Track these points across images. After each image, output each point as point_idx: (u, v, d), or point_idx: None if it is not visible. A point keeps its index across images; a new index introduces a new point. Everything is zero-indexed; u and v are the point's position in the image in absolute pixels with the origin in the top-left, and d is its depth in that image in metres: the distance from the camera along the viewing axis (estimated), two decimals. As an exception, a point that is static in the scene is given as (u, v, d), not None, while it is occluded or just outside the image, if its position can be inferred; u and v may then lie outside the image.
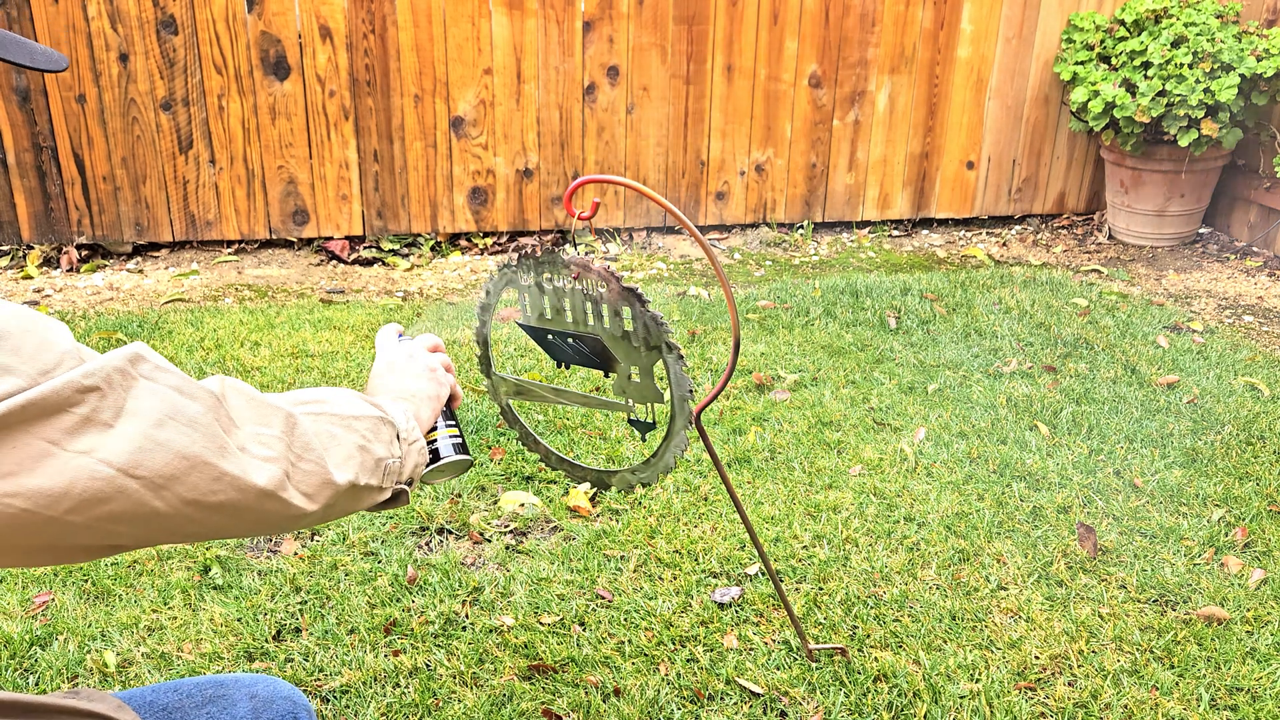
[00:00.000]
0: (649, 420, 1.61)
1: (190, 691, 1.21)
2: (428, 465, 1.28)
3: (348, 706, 1.92)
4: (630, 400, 1.59)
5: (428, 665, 2.02)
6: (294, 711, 1.23)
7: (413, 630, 2.11)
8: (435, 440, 1.35)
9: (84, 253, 4.29)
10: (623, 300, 1.46)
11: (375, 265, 4.38)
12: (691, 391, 1.51)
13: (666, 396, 1.55)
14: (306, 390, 1.12)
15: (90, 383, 0.82)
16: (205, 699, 1.20)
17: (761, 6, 4.43)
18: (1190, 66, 4.20)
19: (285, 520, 0.96)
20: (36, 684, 1.94)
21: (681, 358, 1.48)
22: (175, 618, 2.14)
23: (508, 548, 2.39)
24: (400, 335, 1.45)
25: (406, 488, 1.18)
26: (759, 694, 1.96)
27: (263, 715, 1.21)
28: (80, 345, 0.86)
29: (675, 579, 2.29)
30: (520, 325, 1.61)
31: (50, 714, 1.04)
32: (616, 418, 2.95)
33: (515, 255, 1.56)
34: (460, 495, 2.57)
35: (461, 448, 1.39)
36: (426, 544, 2.41)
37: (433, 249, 4.50)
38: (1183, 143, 4.25)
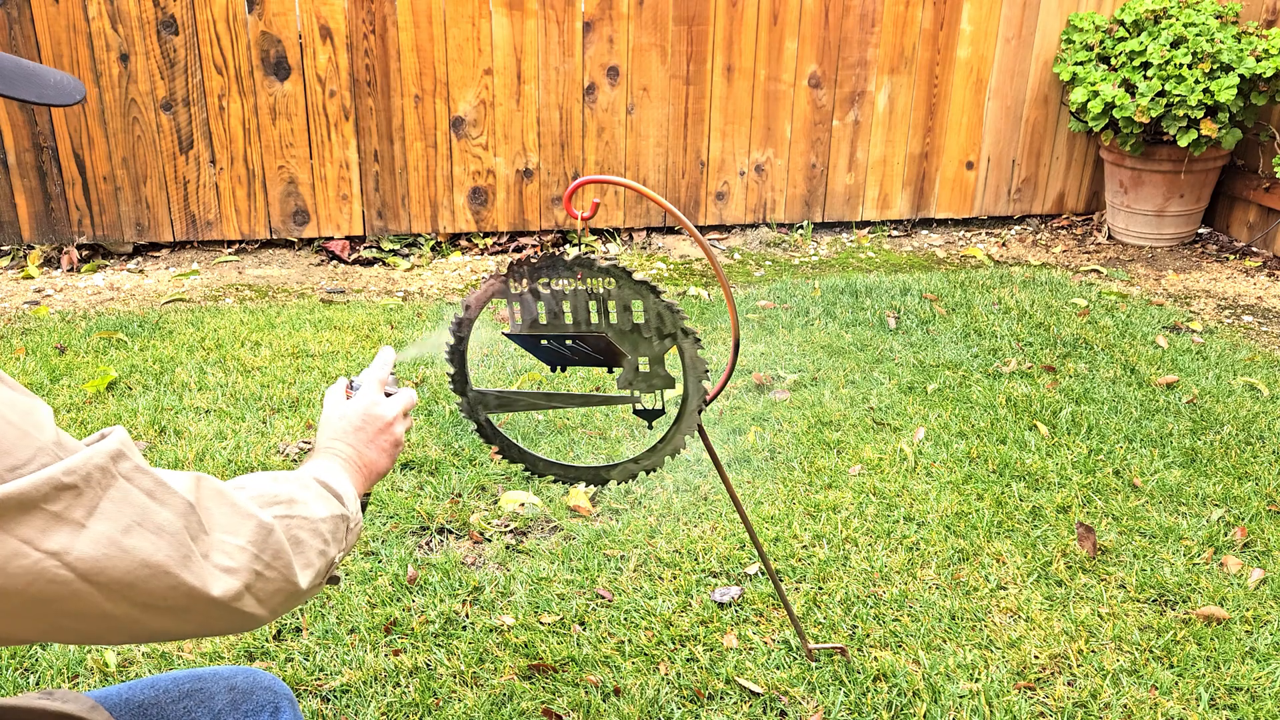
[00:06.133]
0: (657, 408, 1.62)
1: (167, 686, 1.20)
2: None
3: (348, 706, 1.92)
4: (637, 391, 1.60)
5: (428, 665, 2.02)
6: (274, 701, 1.22)
7: (413, 630, 2.12)
8: None
9: (84, 253, 4.29)
10: (634, 294, 1.48)
11: (375, 265, 4.38)
12: (707, 372, 1.53)
13: (679, 385, 1.57)
14: (276, 482, 1.08)
15: (70, 480, 0.81)
16: (182, 693, 1.19)
17: (761, 7, 4.43)
18: (1190, 67, 4.20)
19: (232, 625, 0.93)
20: (37, 683, 1.94)
21: (698, 341, 1.50)
22: (176, 617, 2.14)
23: (508, 547, 2.39)
24: (351, 384, 1.37)
25: (338, 575, 1.19)
26: (759, 693, 1.96)
27: (242, 706, 1.19)
28: (60, 434, 0.85)
29: (675, 579, 2.29)
30: (509, 336, 1.56)
31: (23, 715, 1.03)
32: (616, 417, 2.95)
33: (510, 261, 1.56)
34: (460, 495, 2.58)
35: None
36: (427, 544, 2.41)
37: (433, 249, 4.50)
38: (1182, 143, 4.25)
